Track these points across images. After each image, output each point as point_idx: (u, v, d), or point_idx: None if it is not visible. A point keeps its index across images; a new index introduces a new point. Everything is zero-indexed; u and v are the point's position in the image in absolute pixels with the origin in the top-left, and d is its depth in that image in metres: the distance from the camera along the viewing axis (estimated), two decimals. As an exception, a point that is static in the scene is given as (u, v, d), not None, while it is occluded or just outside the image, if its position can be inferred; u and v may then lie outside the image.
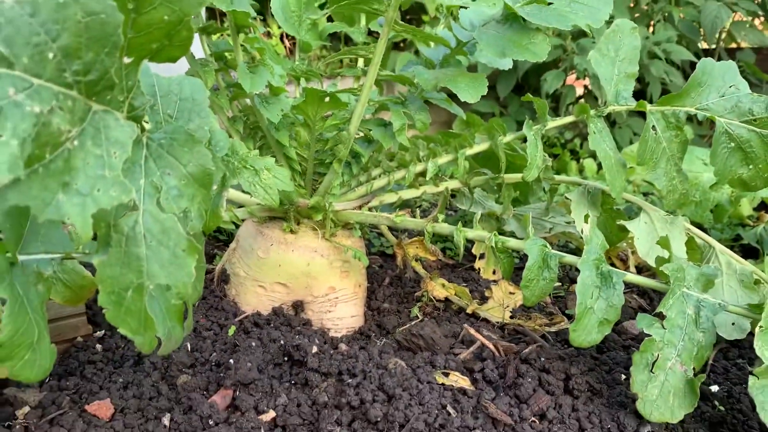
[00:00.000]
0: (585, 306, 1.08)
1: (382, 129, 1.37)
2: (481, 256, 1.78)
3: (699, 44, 3.60)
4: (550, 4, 1.26)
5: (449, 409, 1.04)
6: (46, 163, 0.60)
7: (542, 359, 1.18)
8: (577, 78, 3.43)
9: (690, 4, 3.29)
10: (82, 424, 1.00)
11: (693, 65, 3.68)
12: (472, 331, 1.24)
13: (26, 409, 1.07)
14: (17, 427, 1.02)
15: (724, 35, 3.63)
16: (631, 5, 3.09)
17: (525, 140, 1.53)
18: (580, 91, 3.58)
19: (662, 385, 1.03)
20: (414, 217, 1.48)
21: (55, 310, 1.22)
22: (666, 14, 3.23)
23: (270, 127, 1.35)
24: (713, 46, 3.65)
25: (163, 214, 0.75)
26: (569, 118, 1.50)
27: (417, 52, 1.70)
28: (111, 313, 0.74)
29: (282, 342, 1.22)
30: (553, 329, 1.34)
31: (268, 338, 1.23)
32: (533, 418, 1.05)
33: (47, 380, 1.14)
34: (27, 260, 0.82)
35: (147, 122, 0.80)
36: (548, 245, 1.19)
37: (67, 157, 0.62)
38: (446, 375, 1.12)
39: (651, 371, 1.03)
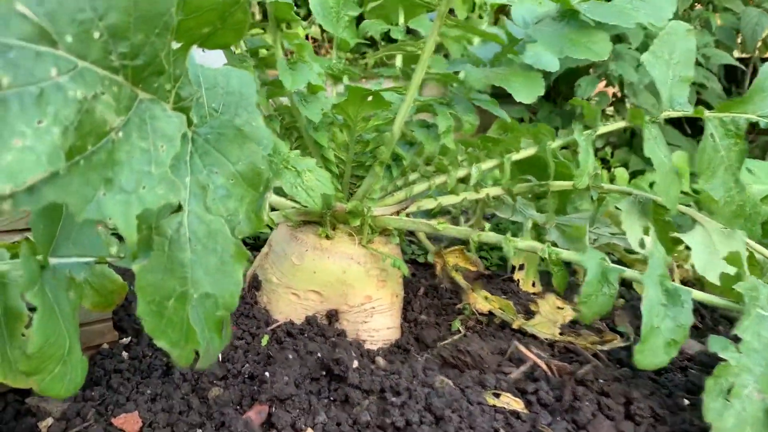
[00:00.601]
0: (651, 325, 1.00)
1: (425, 131, 1.30)
2: (521, 268, 1.71)
3: (733, 53, 3.49)
4: (609, 0, 1.18)
5: (502, 433, 0.96)
6: (87, 156, 0.53)
7: (600, 381, 1.09)
8: (607, 85, 3.34)
9: (728, 11, 3.19)
10: (109, 439, 0.94)
11: (728, 73, 3.59)
12: (522, 348, 1.15)
13: (49, 420, 1.00)
14: (40, 440, 0.96)
15: (759, 44, 3.52)
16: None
17: (564, 147, 1.45)
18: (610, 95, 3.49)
19: (739, 415, 0.94)
20: (457, 224, 1.40)
21: (81, 315, 1.15)
22: (704, 20, 3.13)
23: (308, 127, 1.28)
24: (749, 55, 3.55)
25: (209, 215, 0.68)
26: (621, 123, 1.42)
27: (447, 56, 1.62)
28: (151, 323, 0.67)
29: (320, 354, 1.14)
30: (605, 348, 1.25)
31: (304, 350, 1.16)
32: (594, 446, 0.96)
33: (71, 390, 1.08)
34: (59, 264, 0.75)
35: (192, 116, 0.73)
36: (607, 258, 1.11)
37: (110, 150, 0.55)
38: (497, 396, 1.04)
39: (726, 399, 0.94)
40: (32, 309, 0.84)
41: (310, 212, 1.34)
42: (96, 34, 0.53)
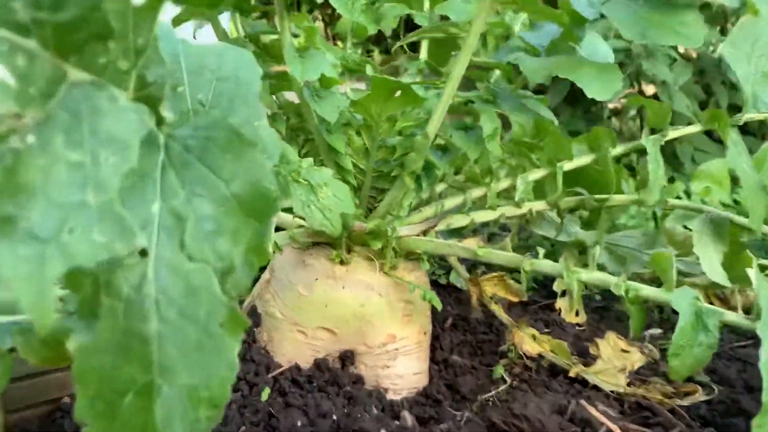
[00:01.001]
0: (772, 389, 0.76)
1: (463, 133, 1.06)
2: (562, 294, 1.47)
3: None
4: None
5: None
6: (-35, 178, 0.29)
7: (693, 454, 0.86)
8: (631, 86, 3.11)
9: None
10: None
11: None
12: (591, 409, 0.92)
13: None
14: None
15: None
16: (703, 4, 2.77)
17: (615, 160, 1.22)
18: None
19: None
20: (492, 245, 1.17)
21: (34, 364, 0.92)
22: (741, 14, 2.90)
23: (321, 128, 1.04)
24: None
25: (188, 264, 0.45)
26: (694, 128, 1.19)
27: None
28: (96, 430, 0.43)
29: (335, 417, 0.91)
30: (684, 402, 1.02)
31: (315, 412, 0.92)
32: None
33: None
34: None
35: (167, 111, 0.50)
36: (701, 298, 0.88)
37: (11, 167, 0.32)
38: (567, 478, 0.81)
39: None
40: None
41: (322, 233, 1.10)
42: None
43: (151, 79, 0.43)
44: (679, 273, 1.42)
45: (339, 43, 1.63)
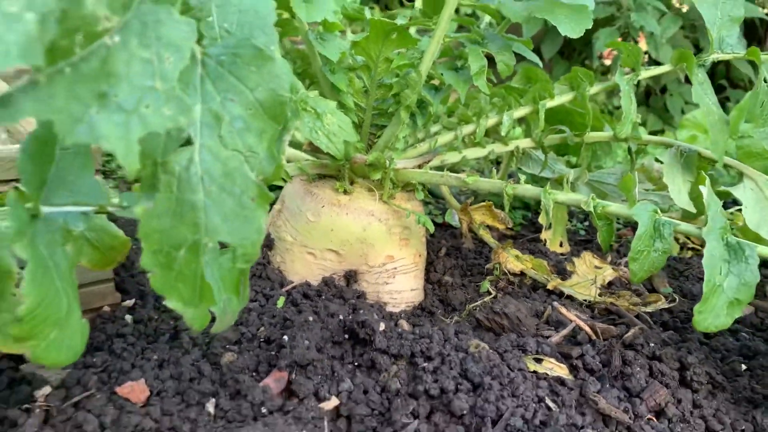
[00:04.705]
0: (713, 283, 0.90)
1: (453, 73, 1.18)
2: (548, 227, 1.61)
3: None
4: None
5: (548, 402, 0.86)
6: (75, 62, 0.42)
7: (650, 344, 1.00)
8: (625, 38, 3.18)
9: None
10: (113, 410, 0.84)
11: (747, 31, 3.42)
12: (563, 310, 1.05)
13: (47, 389, 0.91)
14: (37, 410, 0.86)
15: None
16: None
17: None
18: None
19: (812, 381, 0.84)
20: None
21: (79, 275, 1.05)
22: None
23: (325, 69, 1.16)
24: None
25: (225, 151, 0.58)
26: (665, 68, 1.30)
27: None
28: (158, 277, 0.57)
29: (342, 317, 1.05)
30: (648, 309, 1.15)
31: (325, 312, 1.06)
32: (649, 415, 0.87)
33: (71, 356, 0.98)
34: (52, 213, 0.65)
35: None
36: (659, 211, 1.00)
37: (104, 57, 0.44)
38: (539, 361, 0.95)
39: (799, 364, 0.85)
40: (23, 266, 0.74)
41: (326, 165, 1.23)
42: None
43: (193, 3, 0.56)
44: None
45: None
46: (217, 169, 0.57)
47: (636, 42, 2.98)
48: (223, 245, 0.59)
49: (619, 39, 2.82)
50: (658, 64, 1.70)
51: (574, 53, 3.28)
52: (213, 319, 0.67)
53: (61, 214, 0.69)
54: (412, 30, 1.17)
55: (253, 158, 0.59)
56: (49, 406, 0.87)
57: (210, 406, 0.88)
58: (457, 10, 1.14)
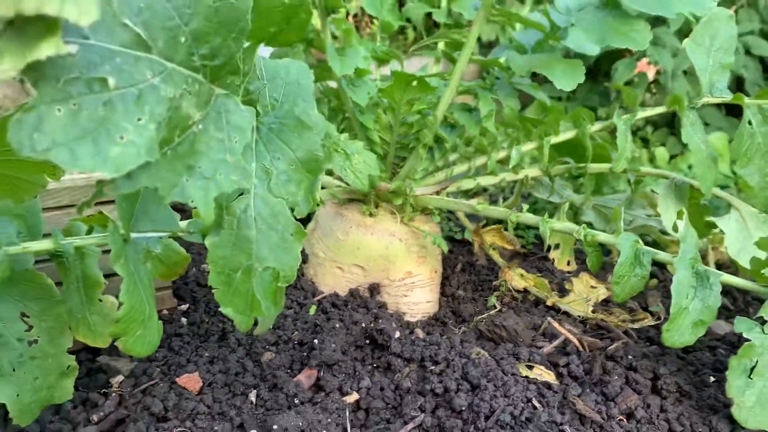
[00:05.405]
0: (680, 306, 1.04)
1: (467, 114, 1.35)
2: (556, 246, 1.76)
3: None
4: (651, -12, 1.20)
5: (535, 402, 1.03)
6: (174, 147, 0.61)
7: (629, 357, 1.15)
8: (649, 63, 3.30)
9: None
10: (174, 396, 1.04)
11: (765, 66, 3.49)
12: (556, 324, 1.21)
13: (120, 377, 1.11)
14: (113, 394, 1.06)
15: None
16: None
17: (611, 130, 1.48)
18: (650, 75, 3.44)
19: (760, 392, 0.99)
20: (495, 204, 1.46)
21: (145, 283, 1.26)
22: (751, 0, 3.05)
23: (355, 110, 1.34)
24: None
25: (272, 198, 0.76)
26: (660, 109, 1.45)
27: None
28: (220, 293, 0.76)
29: (364, 325, 1.22)
30: (635, 326, 1.30)
31: (350, 320, 1.24)
32: (621, 417, 1.02)
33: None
34: (138, 238, 0.84)
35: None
36: (640, 241, 1.15)
37: (192, 141, 0.63)
38: (530, 368, 1.11)
39: (749, 377, 0.99)
40: (107, 276, 0.94)
41: (354, 191, 1.41)
42: (182, 39, 0.60)
43: (252, 89, 0.74)
44: (660, 232, 1.69)
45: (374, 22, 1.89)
46: (266, 211, 0.76)
47: (658, 72, 3.09)
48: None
49: (636, 70, 2.94)
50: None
51: (599, 74, 3.40)
52: (255, 323, 0.86)
53: (144, 238, 0.89)
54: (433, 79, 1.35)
55: (293, 202, 0.78)
56: (122, 392, 1.08)
57: (252, 396, 1.06)
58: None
